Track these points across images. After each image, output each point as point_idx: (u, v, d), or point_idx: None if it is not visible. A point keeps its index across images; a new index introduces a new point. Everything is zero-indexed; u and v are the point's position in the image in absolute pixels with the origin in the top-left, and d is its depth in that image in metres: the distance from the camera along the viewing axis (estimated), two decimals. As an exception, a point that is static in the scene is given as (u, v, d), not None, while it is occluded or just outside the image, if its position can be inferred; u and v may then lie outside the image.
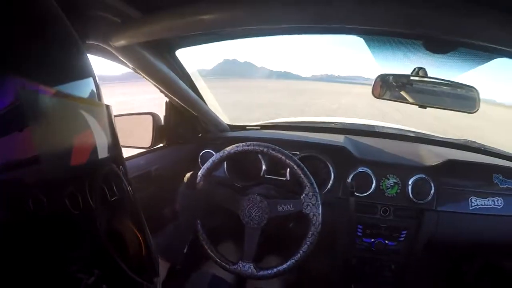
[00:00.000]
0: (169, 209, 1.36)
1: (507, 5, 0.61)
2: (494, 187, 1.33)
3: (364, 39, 1.07)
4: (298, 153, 1.41)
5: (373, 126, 2.02)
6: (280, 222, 1.19)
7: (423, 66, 1.14)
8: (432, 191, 1.32)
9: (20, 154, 0.29)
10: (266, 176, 1.44)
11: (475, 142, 1.69)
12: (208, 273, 1.22)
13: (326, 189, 1.39)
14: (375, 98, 1.27)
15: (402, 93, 1.23)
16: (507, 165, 1.41)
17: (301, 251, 1.06)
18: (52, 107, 0.32)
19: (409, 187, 1.34)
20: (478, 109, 1.16)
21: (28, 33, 0.32)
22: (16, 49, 0.30)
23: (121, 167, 0.44)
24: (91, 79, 0.40)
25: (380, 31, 0.90)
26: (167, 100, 1.43)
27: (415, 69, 1.16)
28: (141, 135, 1.42)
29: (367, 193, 1.37)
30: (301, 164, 1.09)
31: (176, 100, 1.37)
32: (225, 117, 1.77)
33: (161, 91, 1.31)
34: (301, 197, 1.07)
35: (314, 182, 1.08)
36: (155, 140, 1.43)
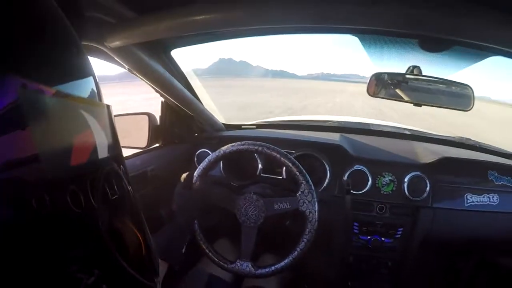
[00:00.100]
0: (166, 209, 1.36)
1: (503, 4, 0.61)
2: (489, 184, 1.34)
3: (359, 37, 1.07)
4: (294, 151, 1.42)
5: (368, 124, 2.03)
6: (277, 220, 1.19)
7: (418, 65, 1.15)
8: (428, 189, 1.33)
9: (21, 154, 0.29)
10: (262, 175, 1.44)
11: (470, 139, 1.70)
12: (206, 272, 1.23)
13: (322, 187, 1.39)
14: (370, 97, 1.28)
15: (397, 91, 1.23)
16: (502, 162, 1.42)
17: (298, 249, 1.07)
18: (52, 107, 0.32)
19: (405, 185, 1.34)
20: (472, 107, 1.17)
21: (28, 33, 0.32)
22: (16, 49, 0.30)
23: (121, 166, 0.44)
24: (91, 78, 0.40)
25: (378, 31, 0.90)
26: (163, 100, 1.43)
27: (410, 67, 1.17)
28: (137, 135, 1.42)
29: (363, 191, 1.37)
30: (296, 162, 1.09)
31: (172, 100, 1.37)
32: (221, 117, 1.77)
33: (157, 91, 1.31)
34: (297, 194, 1.07)
35: (309, 179, 1.08)
36: (151, 140, 1.42)
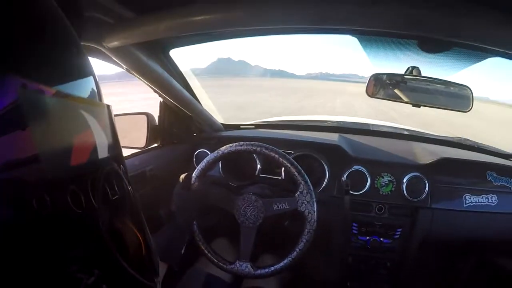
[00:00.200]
0: (165, 209, 1.36)
1: (503, 4, 0.61)
2: (488, 185, 1.35)
3: (358, 38, 1.07)
4: (292, 152, 1.41)
5: (367, 124, 2.03)
6: (276, 220, 1.19)
7: (417, 65, 1.15)
8: (427, 189, 1.33)
9: (21, 154, 0.28)
10: (261, 175, 1.44)
11: (468, 140, 1.71)
12: (205, 272, 1.22)
13: (321, 188, 1.39)
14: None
15: (396, 91, 1.23)
16: (501, 163, 1.42)
17: (297, 249, 1.06)
18: (52, 107, 0.32)
19: (404, 185, 1.34)
20: (471, 108, 1.17)
21: (28, 33, 0.32)
22: (16, 49, 0.30)
23: (121, 166, 0.44)
24: (91, 78, 0.40)
25: (377, 31, 0.90)
26: (161, 100, 1.42)
27: (409, 68, 1.17)
28: (136, 135, 1.42)
29: (362, 192, 1.37)
30: (295, 162, 1.08)
31: (171, 100, 1.37)
32: (219, 117, 1.77)
33: (155, 91, 1.31)
34: (296, 195, 1.06)
35: (308, 179, 1.07)
36: (149, 140, 1.42)
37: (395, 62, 1.25)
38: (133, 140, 1.41)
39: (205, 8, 0.77)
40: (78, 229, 0.34)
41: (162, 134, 1.49)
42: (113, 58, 1.02)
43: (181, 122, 1.56)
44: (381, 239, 1.38)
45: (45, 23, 0.35)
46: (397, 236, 1.37)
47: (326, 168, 1.40)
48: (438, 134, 1.83)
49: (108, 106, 0.42)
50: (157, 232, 1.18)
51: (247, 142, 1.10)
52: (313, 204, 1.06)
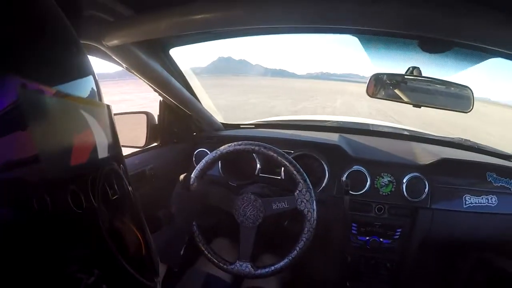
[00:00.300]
0: (164, 209, 1.36)
1: (503, 4, 0.61)
2: (488, 185, 1.35)
3: (359, 38, 1.07)
4: (292, 151, 1.41)
5: (367, 124, 2.03)
6: (276, 220, 1.19)
7: (417, 66, 1.15)
8: (426, 189, 1.33)
9: (21, 154, 0.28)
10: (260, 175, 1.44)
11: (468, 140, 1.71)
12: (205, 273, 1.22)
13: (321, 188, 1.39)
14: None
15: (397, 92, 1.23)
16: (501, 164, 1.42)
17: (297, 248, 1.06)
18: (52, 107, 0.32)
19: (404, 186, 1.34)
20: (472, 109, 1.17)
21: (28, 33, 0.32)
22: (16, 49, 0.30)
23: (121, 166, 0.44)
24: (91, 78, 0.40)
25: (378, 31, 0.89)
26: (161, 99, 1.42)
27: (409, 68, 1.17)
28: (135, 134, 1.42)
29: (361, 192, 1.37)
30: (294, 161, 1.08)
31: (170, 99, 1.37)
32: (219, 116, 1.77)
33: (155, 90, 1.30)
34: (295, 193, 1.06)
35: (307, 178, 1.07)
36: (149, 140, 1.42)
37: (396, 62, 1.24)
38: (132, 139, 1.41)
39: (205, 7, 0.77)
40: (78, 229, 0.34)
41: (162, 133, 1.49)
42: (113, 56, 1.01)
43: (181, 121, 1.56)
44: (381, 239, 1.38)
45: (45, 22, 0.35)
46: (397, 237, 1.37)
47: (326, 168, 1.40)
48: (438, 135, 1.83)
49: (108, 106, 0.42)
50: (157, 232, 1.18)
51: (246, 142, 1.10)
52: (313, 203, 1.05)
